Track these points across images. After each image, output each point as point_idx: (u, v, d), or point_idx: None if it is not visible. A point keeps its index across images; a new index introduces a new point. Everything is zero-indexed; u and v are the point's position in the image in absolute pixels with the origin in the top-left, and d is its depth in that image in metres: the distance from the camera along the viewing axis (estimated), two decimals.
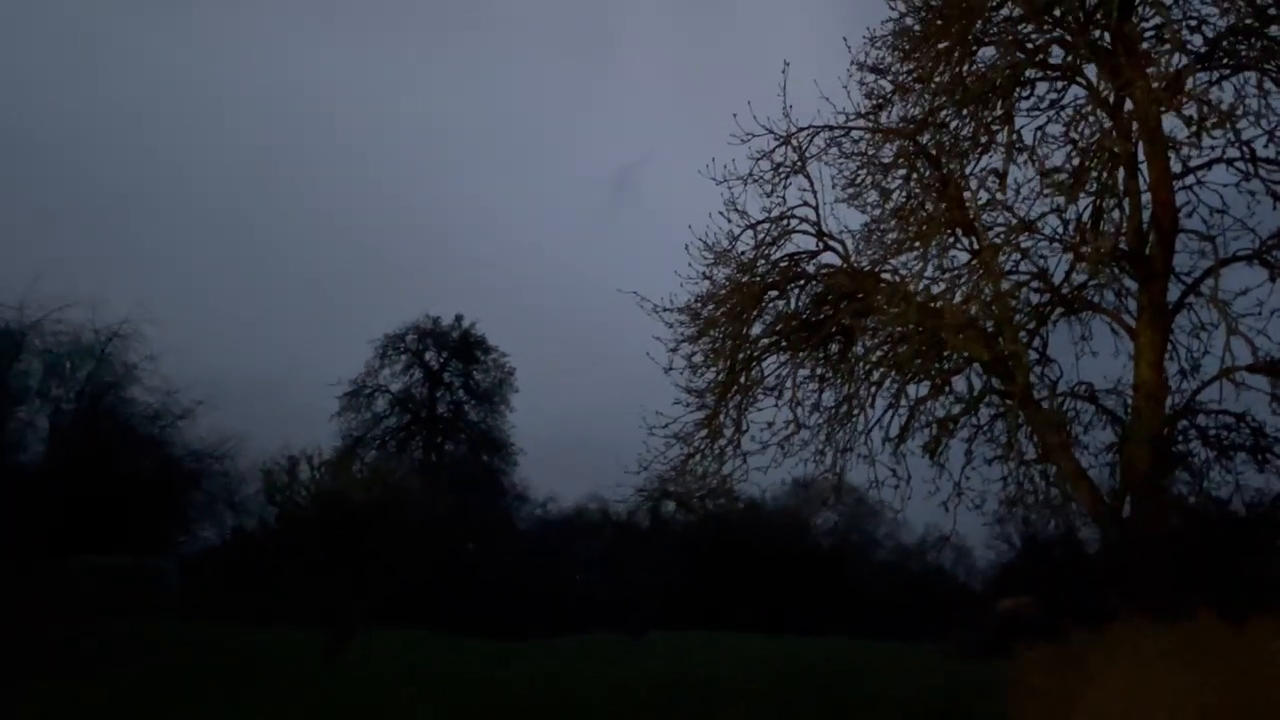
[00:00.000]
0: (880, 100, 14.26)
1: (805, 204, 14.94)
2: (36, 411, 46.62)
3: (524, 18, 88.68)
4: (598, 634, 30.88)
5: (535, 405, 54.37)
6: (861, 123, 14.76)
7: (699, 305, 14.89)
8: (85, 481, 42.12)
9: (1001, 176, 13.32)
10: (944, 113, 13.96)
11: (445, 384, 54.33)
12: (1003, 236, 13.33)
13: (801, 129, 14.80)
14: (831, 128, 14.75)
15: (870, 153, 14.75)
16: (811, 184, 14.94)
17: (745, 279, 14.67)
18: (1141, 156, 13.65)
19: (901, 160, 15.00)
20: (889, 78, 14.11)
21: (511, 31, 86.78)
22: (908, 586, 46.41)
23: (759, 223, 14.76)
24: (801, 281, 15.09)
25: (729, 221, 14.69)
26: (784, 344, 15.19)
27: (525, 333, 63.82)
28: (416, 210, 75.42)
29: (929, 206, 14.72)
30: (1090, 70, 13.73)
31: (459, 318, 53.93)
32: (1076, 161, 13.69)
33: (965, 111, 13.61)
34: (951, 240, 15.05)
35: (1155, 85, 12.22)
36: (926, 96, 13.80)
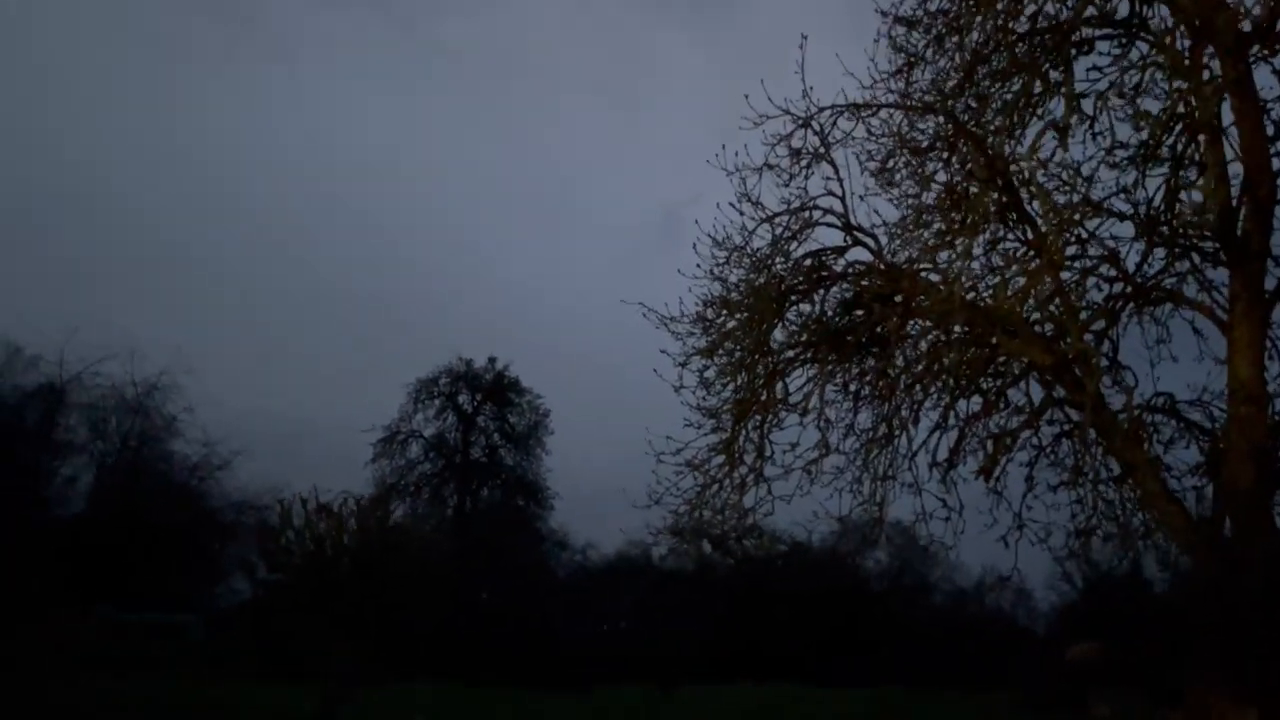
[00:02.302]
0: (911, 58, 12.35)
1: (830, 194, 13.03)
2: (82, 467, 46.27)
3: (561, 66, 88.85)
4: (628, 686, 28.79)
5: (582, 450, 52.78)
6: (893, 98, 12.86)
7: (711, 313, 12.98)
8: (121, 535, 41.25)
9: (1062, 131, 11.27)
10: (983, 74, 12.00)
11: (479, 428, 52.91)
12: (1065, 213, 11.22)
13: (823, 108, 12.95)
14: (858, 105, 12.86)
15: (903, 132, 12.85)
16: (836, 171, 13.05)
17: (761, 280, 12.74)
18: (1227, 120, 11.55)
19: (939, 142, 13.09)
20: (920, 29, 12.22)
21: (549, 80, 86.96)
22: (965, 631, 43.46)
23: (776, 215, 12.85)
24: (828, 282, 13.12)
25: (741, 214, 12.82)
26: (810, 355, 13.20)
27: (570, 376, 62.38)
28: (459, 259, 75.07)
29: (974, 191, 12.75)
30: (1158, 24, 11.73)
31: (492, 360, 52.69)
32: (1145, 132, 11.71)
33: (1013, 65, 11.61)
34: (1002, 232, 13.10)
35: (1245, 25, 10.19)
36: (965, 51, 11.86)
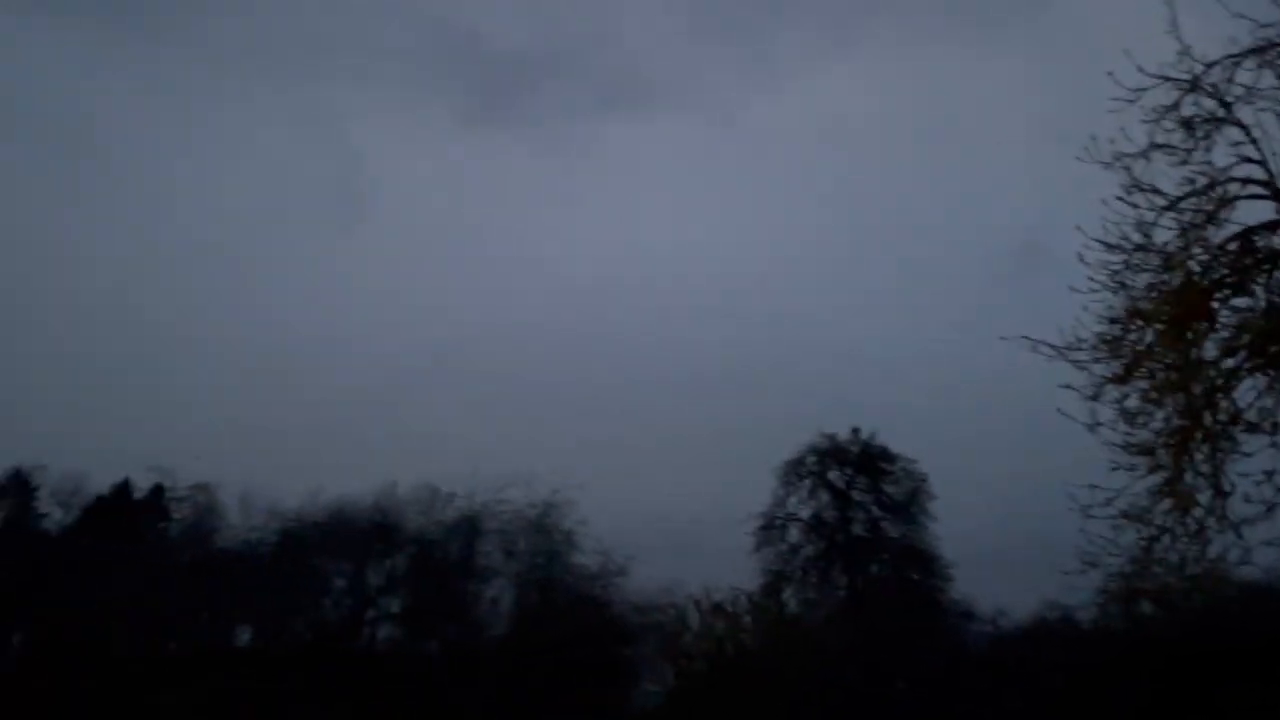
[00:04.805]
0: None
1: (1246, 160, 10.62)
2: (502, 589, 50.47)
3: (883, 121, 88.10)
4: None
5: (966, 509, 49.23)
6: None
7: (1118, 329, 10.89)
8: (541, 649, 43.94)
9: None
10: None
11: (856, 502, 50.93)
12: None
13: (1212, 64, 10.70)
14: (1262, 49, 10.48)
15: None
16: (1248, 132, 10.65)
17: (1177, 279, 10.52)
18: None
19: None
20: None
21: (874, 139, 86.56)
22: None
23: (1182, 199, 10.64)
24: (1265, 266, 10.58)
25: (1135, 207, 10.73)
26: (1261, 360, 10.64)
27: (945, 435, 58.79)
28: (812, 335, 75.12)
29: None
30: None
31: (855, 430, 50.77)
32: None
33: None
34: None
35: None
36: None
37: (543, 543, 49.73)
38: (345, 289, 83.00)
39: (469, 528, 49.31)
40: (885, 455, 50.05)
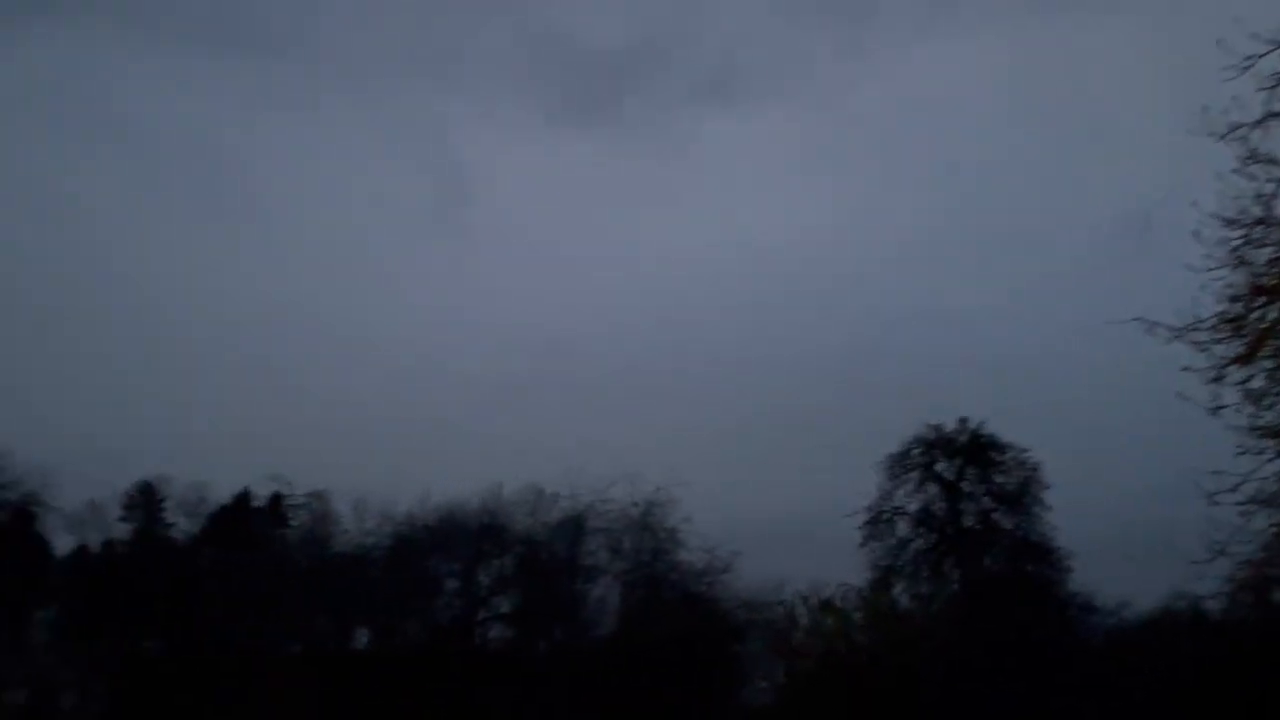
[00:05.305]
0: None
1: None
2: (608, 587, 50.90)
3: (978, 97, 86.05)
4: None
5: (1080, 498, 47.49)
6: None
7: (1242, 308, 10.41)
8: (648, 647, 44.20)
9: None
10: None
11: (966, 494, 49.62)
12: None
13: None
14: None
15: None
16: None
17: None
18: None
19: None
20: None
21: (970, 116, 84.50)
22: None
23: None
24: None
25: (1252, 180, 10.24)
26: None
27: (1058, 421, 56.72)
28: (910, 324, 73.54)
29: None
30: None
31: (963, 420, 49.44)
32: None
33: None
34: None
35: None
36: None
37: (648, 541, 49.84)
38: (451, 293, 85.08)
39: (574, 527, 49.75)
40: (995, 445, 48.57)
